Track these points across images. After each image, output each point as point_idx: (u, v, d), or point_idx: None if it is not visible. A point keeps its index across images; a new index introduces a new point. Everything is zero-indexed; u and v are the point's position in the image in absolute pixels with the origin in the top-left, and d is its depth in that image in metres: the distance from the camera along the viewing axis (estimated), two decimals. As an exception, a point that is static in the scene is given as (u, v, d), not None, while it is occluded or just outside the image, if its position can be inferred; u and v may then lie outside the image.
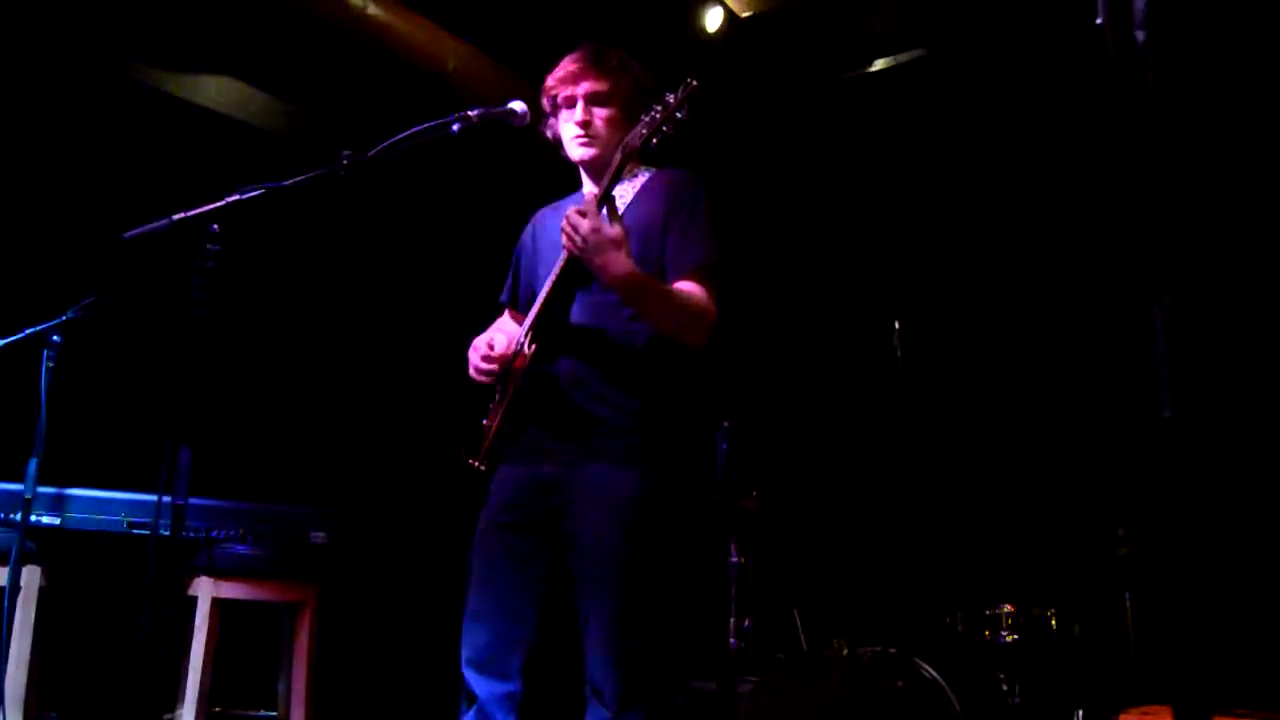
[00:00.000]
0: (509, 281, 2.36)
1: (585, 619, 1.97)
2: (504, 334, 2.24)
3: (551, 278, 2.08)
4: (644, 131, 1.98)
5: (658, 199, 2.15)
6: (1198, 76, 3.31)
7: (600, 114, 2.16)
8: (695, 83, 1.95)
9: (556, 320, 2.10)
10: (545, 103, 2.22)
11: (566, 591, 2.02)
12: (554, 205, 2.35)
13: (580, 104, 2.16)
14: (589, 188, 2.26)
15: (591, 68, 2.17)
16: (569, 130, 2.18)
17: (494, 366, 2.09)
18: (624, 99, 2.16)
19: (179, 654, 2.90)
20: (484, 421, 2.16)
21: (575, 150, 2.18)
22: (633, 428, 2.03)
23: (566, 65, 2.19)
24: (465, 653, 2.03)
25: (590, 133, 2.15)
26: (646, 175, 2.23)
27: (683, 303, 2.05)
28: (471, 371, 2.14)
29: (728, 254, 2.12)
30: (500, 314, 2.40)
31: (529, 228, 2.36)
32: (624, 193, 2.19)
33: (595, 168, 2.18)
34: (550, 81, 2.21)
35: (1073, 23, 3.41)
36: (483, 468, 2.14)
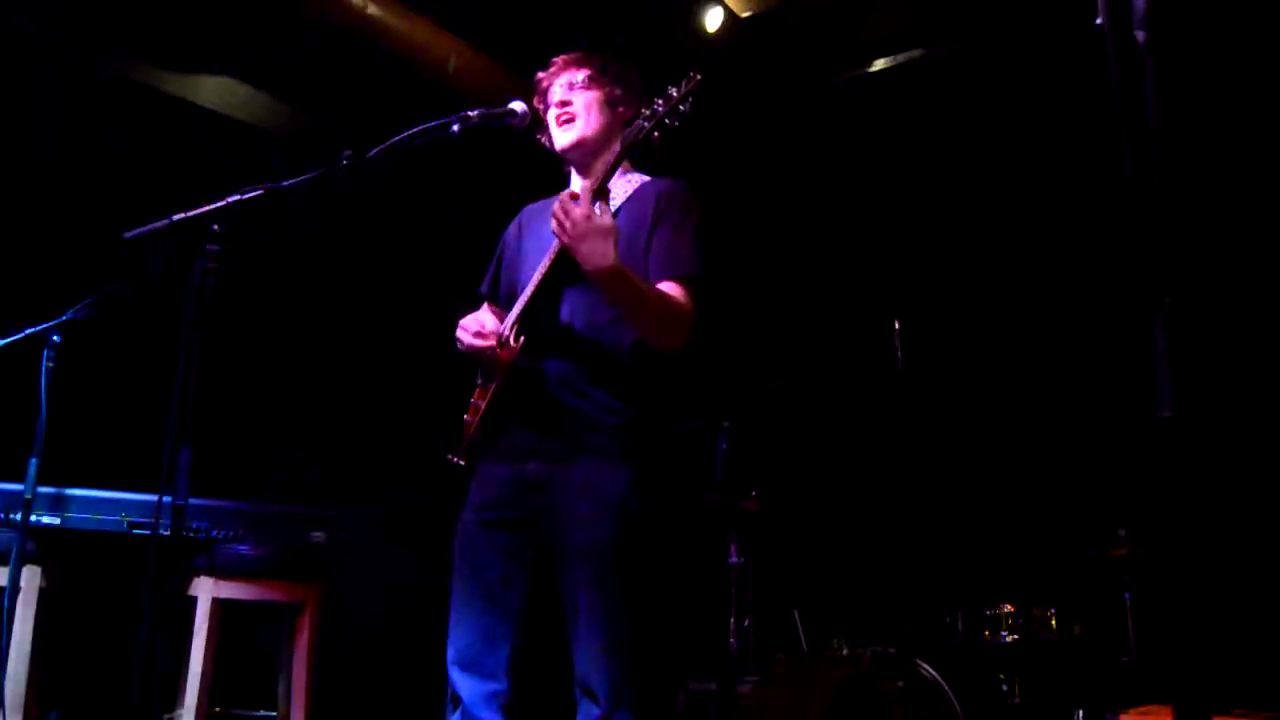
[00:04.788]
0: (489, 274, 2.35)
1: (573, 617, 1.96)
2: (490, 318, 2.21)
3: (540, 271, 2.06)
4: (645, 125, 1.97)
5: (648, 205, 2.15)
6: (1198, 76, 3.31)
7: (581, 97, 2.20)
8: (699, 76, 1.95)
9: (542, 315, 2.08)
10: (538, 102, 2.25)
11: (553, 590, 2.02)
12: (541, 203, 2.36)
13: (562, 89, 2.21)
14: (577, 183, 2.27)
15: (575, 58, 2.25)
16: (551, 115, 2.22)
17: (489, 343, 2.07)
18: (606, 86, 2.22)
19: (179, 654, 2.90)
20: (465, 417, 2.14)
21: (557, 134, 2.21)
22: (620, 426, 2.03)
23: (553, 61, 2.28)
24: (450, 653, 2.02)
25: (569, 111, 2.19)
26: (641, 181, 2.22)
27: (663, 304, 2.03)
28: (461, 348, 2.12)
29: (710, 270, 2.11)
30: (478, 306, 2.38)
31: (514, 223, 2.37)
32: (615, 195, 2.18)
33: (579, 155, 2.22)
34: (539, 75, 2.28)
35: (1073, 23, 3.41)
36: (462, 463, 2.13)
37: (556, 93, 2.22)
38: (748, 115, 4.52)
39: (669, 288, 2.06)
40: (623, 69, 2.27)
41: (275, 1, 3.63)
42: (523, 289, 2.13)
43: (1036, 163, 4.00)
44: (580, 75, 2.22)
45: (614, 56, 2.28)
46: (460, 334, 2.12)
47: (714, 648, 3.41)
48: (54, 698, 3.18)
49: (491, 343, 2.07)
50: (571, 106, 2.19)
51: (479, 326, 2.10)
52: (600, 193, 1.98)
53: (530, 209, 2.37)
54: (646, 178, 2.23)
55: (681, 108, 1.95)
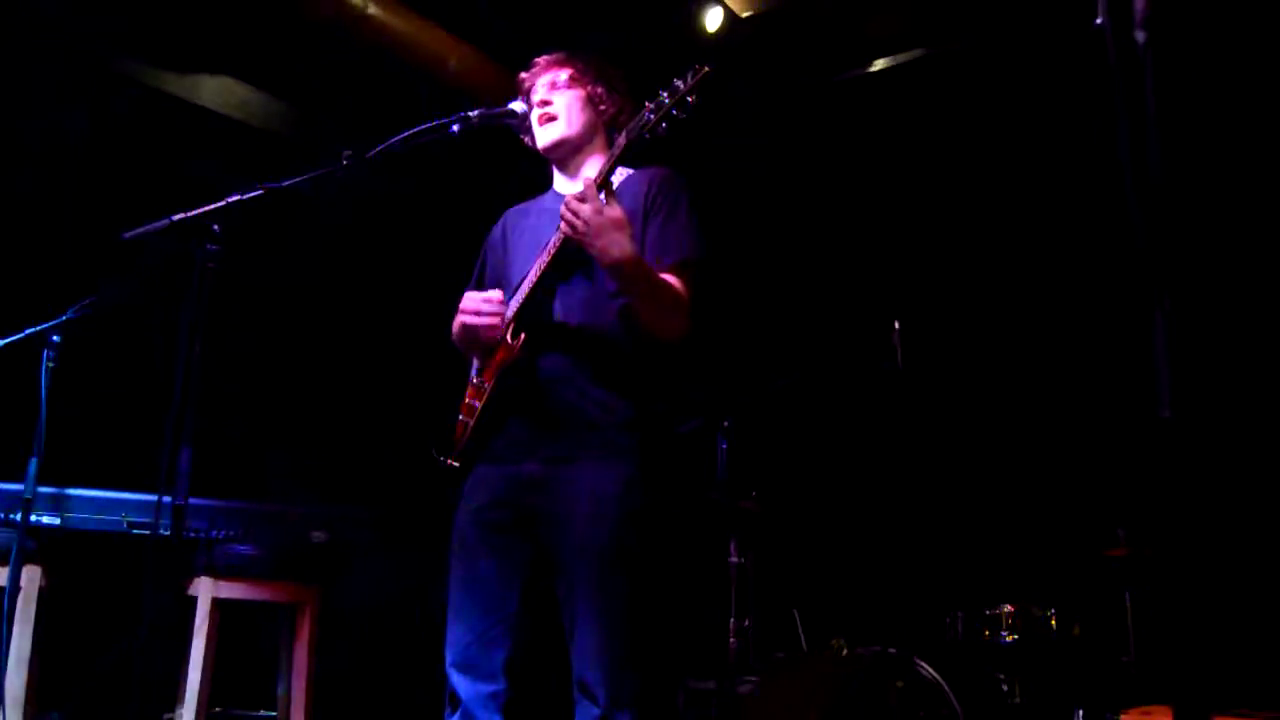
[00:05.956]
0: (475, 278, 2.34)
1: (572, 618, 1.96)
2: (496, 293, 2.17)
3: (537, 270, 2.06)
4: (651, 117, 1.94)
5: (639, 196, 2.14)
6: (1198, 76, 3.30)
7: (562, 96, 2.21)
8: (707, 68, 1.91)
9: (540, 315, 2.07)
10: (522, 102, 2.26)
11: (550, 590, 2.01)
12: (524, 205, 2.36)
13: (544, 88, 2.22)
14: (560, 183, 2.28)
15: (557, 58, 2.26)
16: (534, 115, 2.22)
17: (494, 320, 2.06)
18: (587, 85, 2.23)
19: (179, 654, 2.90)
20: (460, 417, 2.13)
21: (539, 133, 2.21)
22: (619, 425, 2.02)
23: (535, 61, 2.29)
24: (449, 654, 2.02)
25: (550, 111, 2.20)
26: (626, 174, 2.20)
27: (670, 293, 2.04)
28: (467, 319, 2.07)
29: (709, 253, 2.11)
30: None
31: (499, 225, 2.36)
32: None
33: (560, 154, 2.23)
34: (521, 75, 2.30)
35: (1073, 23, 3.41)
36: (457, 465, 2.12)
37: (539, 92, 2.23)
38: (748, 114, 4.52)
39: (669, 277, 2.06)
40: (605, 68, 2.28)
41: (275, 1, 3.63)
42: (514, 289, 2.13)
43: (1037, 163, 4.00)
44: (562, 75, 2.23)
45: (597, 56, 2.28)
46: (467, 318, 2.08)
47: (714, 647, 3.41)
48: (54, 698, 3.17)
49: (495, 320, 2.05)
50: (552, 106, 2.20)
51: (484, 304, 2.07)
52: (604, 185, 1.97)
53: (515, 210, 2.37)
54: (631, 170, 2.21)
55: (690, 99, 1.92)
